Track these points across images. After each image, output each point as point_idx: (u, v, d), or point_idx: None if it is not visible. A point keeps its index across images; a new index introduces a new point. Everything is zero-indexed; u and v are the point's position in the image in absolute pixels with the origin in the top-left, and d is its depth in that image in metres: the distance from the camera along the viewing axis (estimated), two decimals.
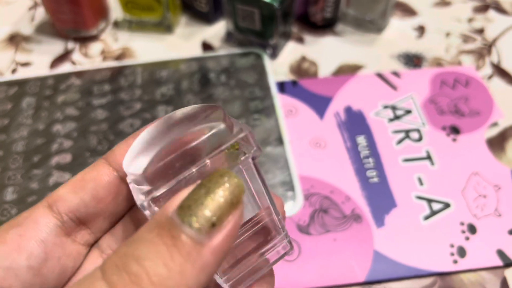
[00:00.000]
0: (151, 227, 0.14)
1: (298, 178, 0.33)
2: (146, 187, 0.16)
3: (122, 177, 0.18)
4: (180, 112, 0.17)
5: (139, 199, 0.16)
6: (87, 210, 0.17)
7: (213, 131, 0.16)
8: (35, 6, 0.47)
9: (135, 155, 0.16)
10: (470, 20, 0.45)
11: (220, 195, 0.14)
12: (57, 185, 0.33)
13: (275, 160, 0.34)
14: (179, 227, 0.13)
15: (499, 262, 0.29)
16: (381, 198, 0.32)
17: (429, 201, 0.32)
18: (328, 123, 0.36)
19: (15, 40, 0.44)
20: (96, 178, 0.18)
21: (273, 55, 0.41)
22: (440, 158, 0.34)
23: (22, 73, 0.41)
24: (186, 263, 0.13)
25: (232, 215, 0.14)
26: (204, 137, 0.16)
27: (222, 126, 0.16)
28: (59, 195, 0.17)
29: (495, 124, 0.36)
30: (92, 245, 0.18)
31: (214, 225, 0.14)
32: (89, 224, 0.18)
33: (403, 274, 0.29)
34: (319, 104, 0.37)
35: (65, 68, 0.41)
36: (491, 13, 0.45)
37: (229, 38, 0.43)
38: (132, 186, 0.16)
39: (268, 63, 0.40)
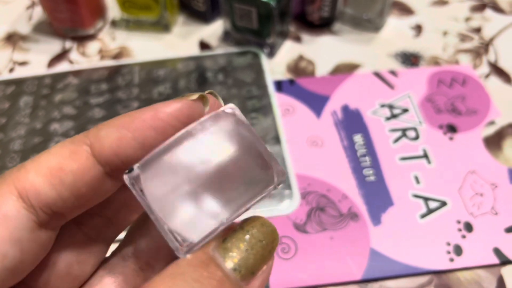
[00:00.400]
0: (195, 263, 0.14)
1: (295, 177, 0.33)
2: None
3: (108, 172, 0.16)
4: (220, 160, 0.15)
5: (179, 251, 0.15)
6: (65, 205, 0.15)
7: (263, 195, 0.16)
8: (32, 5, 0.47)
9: (173, 205, 0.15)
10: (467, 19, 0.45)
11: (261, 245, 0.15)
12: None
13: None
14: (223, 268, 0.14)
15: (496, 260, 0.29)
16: (377, 197, 0.32)
17: (426, 199, 0.32)
18: (325, 122, 0.36)
19: (12, 39, 0.44)
20: (78, 172, 0.15)
21: (271, 54, 0.41)
22: (437, 157, 0.34)
23: (20, 72, 0.41)
24: None
25: (267, 265, 0.15)
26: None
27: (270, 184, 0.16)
28: (32, 183, 0.15)
29: (492, 123, 0.36)
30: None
31: (253, 273, 0.15)
32: (64, 215, 0.16)
33: (399, 272, 0.29)
34: (316, 103, 0.37)
35: (62, 67, 0.41)
36: (488, 12, 0.46)
37: (226, 37, 0.43)
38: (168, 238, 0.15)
39: (265, 62, 0.40)
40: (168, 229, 0.15)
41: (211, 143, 0.15)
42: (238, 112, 0.16)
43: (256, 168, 0.16)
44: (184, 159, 0.15)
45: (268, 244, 0.15)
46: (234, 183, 0.15)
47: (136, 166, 0.15)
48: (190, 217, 0.15)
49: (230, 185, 0.15)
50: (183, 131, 0.15)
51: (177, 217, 0.15)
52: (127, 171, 0.15)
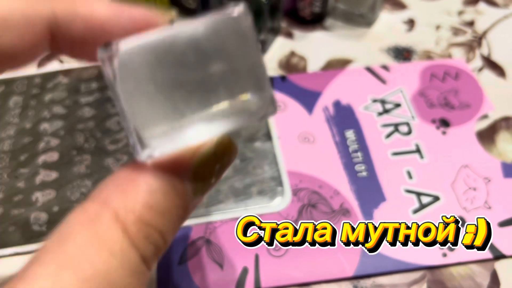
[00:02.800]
0: (166, 190, 0.14)
1: (286, 173, 0.33)
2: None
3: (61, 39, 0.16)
4: None
5: (139, 153, 0.13)
6: None
7: None
8: None
9: (145, 103, 0.13)
10: (460, 12, 0.45)
11: (222, 172, 0.15)
12: (43, 184, 0.33)
13: (264, 156, 0.34)
14: (190, 195, 0.15)
15: (489, 255, 0.29)
16: (370, 192, 0.32)
17: (418, 194, 0.31)
18: (316, 118, 0.36)
19: None
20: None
21: (262, 50, 0.41)
22: (429, 151, 0.34)
23: (9, 72, 0.41)
24: None
25: None
26: None
27: None
28: None
29: (485, 117, 0.36)
30: None
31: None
32: None
33: (392, 268, 0.28)
34: (308, 99, 0.37)
35: (52, 66, 0.41)
36: (482, 5, 0.45)
37: None
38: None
39: None
40: (133, 126, 0.13)
41: (202, 43, 0.13)
42: (245, 18, 0.13)
43: (247, 86, 0.13)
44: (167, 54, 0.13)
45: (225, 170, 0.15)
46: (218, 96, 0.13)
47: (115, 43, 0.13)
48: (159, 121, 0.13)
49: (213, 97, 0.13)
50: (173, 27, 0.13)
51: (146, 116, 0.13)
52: (104, 45, 0.13)
